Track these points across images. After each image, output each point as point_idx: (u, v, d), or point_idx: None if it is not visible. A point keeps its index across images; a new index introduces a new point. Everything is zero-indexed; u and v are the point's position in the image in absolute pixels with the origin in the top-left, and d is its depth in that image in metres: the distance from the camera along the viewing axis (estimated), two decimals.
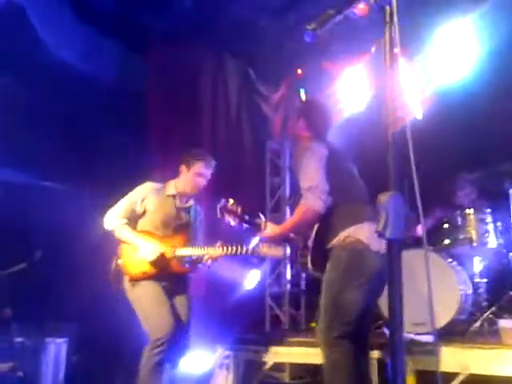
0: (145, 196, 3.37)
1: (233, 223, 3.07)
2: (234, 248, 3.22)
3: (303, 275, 5.70)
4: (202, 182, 3.42)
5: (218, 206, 3.08)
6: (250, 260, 3.98)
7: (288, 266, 5.81)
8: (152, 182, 3.48)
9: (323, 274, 2.73)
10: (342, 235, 2.64)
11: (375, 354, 3.40)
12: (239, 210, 3.03)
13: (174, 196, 3.43)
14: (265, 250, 3.19)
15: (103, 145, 4.66)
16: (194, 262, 3.33)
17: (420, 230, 4.32)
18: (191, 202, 3.52)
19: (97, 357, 4.52)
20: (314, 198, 2.61)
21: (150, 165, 4.07)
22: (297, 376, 4.37)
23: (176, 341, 3.23)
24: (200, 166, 3.39)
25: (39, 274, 4.20)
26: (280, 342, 4.06)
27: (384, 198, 1.72)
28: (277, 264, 5.89)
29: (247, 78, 6.14)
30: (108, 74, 4.85)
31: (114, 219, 3.33)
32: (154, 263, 3.25)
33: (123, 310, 3.53)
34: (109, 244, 3.48)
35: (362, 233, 2.61)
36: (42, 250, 4.20)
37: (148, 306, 3.19)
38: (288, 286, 5.77)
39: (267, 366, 4.00)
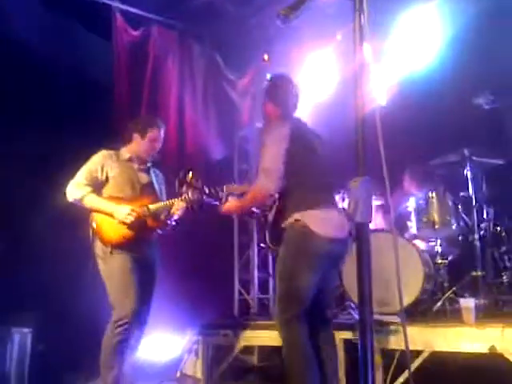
0: (103, 163, 3.36)
1: (191, 197, 3.14)
2: (204, 195, 3.26)
3: (271, 259, 5.76)
4: (158, 146, 3.51)
5: (177, 179, 3.15)
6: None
7: (256, 251, 5.86)
8: (106, 149, 3.47)
9: None
10: (293, 217, 2.70)
11: (343, 335, 3.49)
12: (199, 183, 3.08)
13: (130, 159, 3.44)
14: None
15: (65, 128, 4.55)
16: (166, 216, 3.38)
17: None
18: (149, 164, 3.55)
19: (62, 345, 4.47)
20: (267, 181, 2.67)
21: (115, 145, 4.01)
22: (265, 358, 4.44)
23: (138, 321, 3.26)
24: (154, 132, 3.46)
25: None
26: (248, 326, 4.11)
27: (354, 183, 1.76)
28: (245, 249, 5.93)
29: (214, 64, 6.09)
30: (69, 57, 4.73)
31: (78, 189, 3.28)
32: (133, 224, 3.24)
33: (89, 294, 3.49)
34: (67, 223, 3.43)
35: (311, 219, 2.66)
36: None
37: (116, 284, 3.19)
38: (256, 270, 5.82)
39: (236, 350, 4.03)
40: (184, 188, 3.20)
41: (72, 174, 3.34)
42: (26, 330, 4.22)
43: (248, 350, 4.32)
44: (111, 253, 3.21)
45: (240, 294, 5.83)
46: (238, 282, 5.86)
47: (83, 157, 3.42)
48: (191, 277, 4.95)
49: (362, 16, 1.82)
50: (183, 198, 3.29)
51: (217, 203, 3.12)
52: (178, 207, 3.34)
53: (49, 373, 4.15)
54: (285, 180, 2.69)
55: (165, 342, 4.38)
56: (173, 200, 3.36)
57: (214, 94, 6.04)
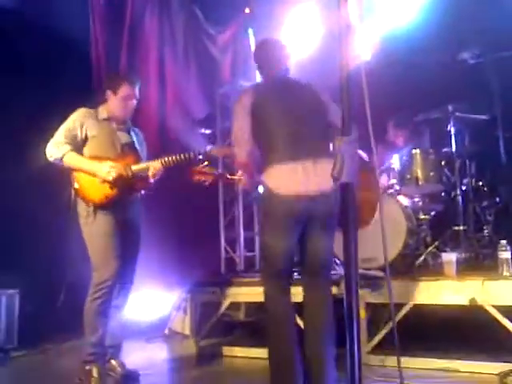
0: (82, 121, 3.27)
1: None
2: (184, 155, 3.30)
3: (256, 218, 5.80)
4: (132, 103, 3.37)
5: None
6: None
7: (241, 209, 5.88)
8: (85, 107, 3.38)
9: None
10: (261, 181, 2.74)
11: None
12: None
13: (108, 119, 3.36)
14: (215, 150, 3.39)
15: (40, 89, 4.42)
16: (144, 177, 3.33)
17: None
18: (129, 124, 3.47)
19: (50, 305, 4.51)
20: (237, 150, 2.73)
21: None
22: (251, 314, 4.53)
23: (121, 281, 3.26)
24: (125, 88, 3.31)
25: None
26: (235, 283, 4.16)
27: (338, 142, 1.74)
28: (231, 207, 5.94)
29: (193, 18, 5.91)
30: (45, 14, 4.54)
31: (57, 148, 3.20)
32: (116, 182, 3.20)
33: (75, 253, 3.48)
34: (50, 182, 3.37)
35: (270, 178, 2.66)
36: None
37: (98, 246, 3.17)
38: (241, 228, 5.86)
39: (223, 307, 4.10)
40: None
41: (50, 134, 3.25)
42: (12, 291, 4.23)
43: (235, 306, 4.39)
44: (94, 213, 3.17)
45: (226, 252, 5.89)
46: (223, 241, 5.91)
47: (61, 116, 3.33)
48: (178, 235, 4.97)
49: None
50: (162, 160, 3.29)
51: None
52: (155, 168, 3.28)
53: (38, 333, 4.19)
54: (255, 146, 2.74)
55: (153, 299, 4.44)
56: (152, 161, 3.32)
57: (194, 50, 5.90)
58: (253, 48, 6.03)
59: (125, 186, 3.25)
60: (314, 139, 2.68)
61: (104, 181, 3.19)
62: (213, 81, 6.06)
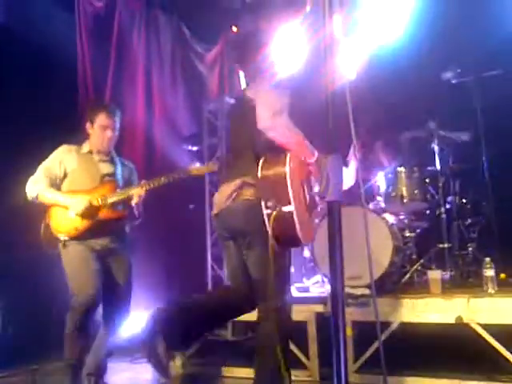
0: (62, 158, 3.30)
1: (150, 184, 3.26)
2: (163, 178, 3.25)
3: None
4: (109, 133, 3.33)
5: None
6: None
7: None
8: (68, 144, 3.39)
9: None
10: None
11: (315, 308, 3.55)
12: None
13: (90, 152, 3.36)
14: (194, 170, 3.31)
15: (29, 106, 4.39)
16: (125, 203, 3.29)
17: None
18: (114, 155, 3.46)
19: (33, 327, 4.42)
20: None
21: (80, 127, 3.90)
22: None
23: (113, 306, 3.25)
24: (101, 118, 3.31)
25: None
26: None
27: (324, 160, 1.75)
28: None
29: (181, 36, 5.95)
30: (32, 29, 4.53)
31: (35, 185, 3.24)
32: (84, 214, 3.17)
33: (56, 275, 3.43)
34: (31, 210, 3.35)
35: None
36: None
37: (73, 270, 3.15)
38: None
39: None
40: None
41: (35, 166, 3.29)
42: None
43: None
44: (64, 244, 3.17)
45: (213, 269, 5.85)
46: (210, 257, 5.87)
47: (47, 144, 3.34)
48: (164, 252, 4.93)
49: None
50: (141, 184, 3.26)
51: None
52: (141, 191, 3.25)
53: (20, 354, 4.10)
54: None
55: (138, 318, 4.37)
56: (130, 188, 3.28)
57: (181, 67, 5.92)
58: None
59: (99, 216, 3.22)
60: (236, 160, 2.62)
61: (76, 214, 3.18)
62: (200, 98, 6.08)
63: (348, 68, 4.97)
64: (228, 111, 2.81)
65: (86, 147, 3.38)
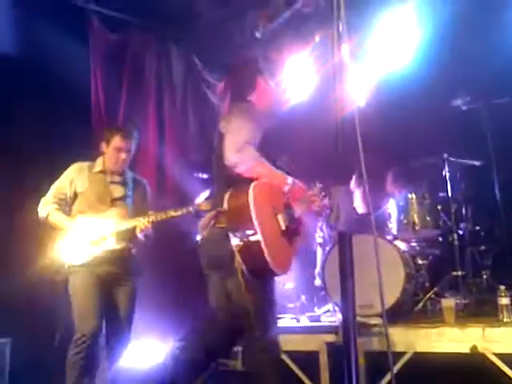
0: (72, 178, 3.32)
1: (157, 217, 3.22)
2: (174, 212, 3.21)
3: None
4: (123, 155, 3.35)
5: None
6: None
7: None
8: (81, 162, 3.42)
9: None
10: None
11: (327, 338, 3.50)
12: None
13: (102, 172, 3.37)
14: (203, 205, 3.20)
15: (44, 134, 4.47)
16: (132, 234, 3.28)
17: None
18: (128, 175, 3.47)
19: (43, 354, 4.40)
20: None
21: (94, 155, 3.95)
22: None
23: (114, 334, 3.26)
24: (117, 140, 3.34)
25: None
26: None
27: (335, 191, 1.76)
28: None
29: (193, 67, 6.06)
30: (47, 60, 4.64)
31: (44, 207, 3.28)
32: (92, 241, 3.19)
33: (60, 302, 3.44)
34: (42, 231, 3.38)
35: None
36: None
37: (78, 299, 3.17)
38: None
39: None
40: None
41: (47, 188, 3.35)
42: (4, 340, 4.13)
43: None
44: (70, 271, 3.19)
45: None
46: None
47: (62, 165, 3.37)
48: (174, 282, 4.90)
49: (339, 25, 1.82)
50: (151, 214, 3.25)
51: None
52: (141, 227, 3.21)
53: (30, 382, 4.07)
54: None
55: (148, 348, 4.34)
56: (137, 220, 3.25)
57: (193, 97, 6.01)
58: None
59: (105, 243, 3.23)
60: (216, 191, 2.65)
61: (82, 240, 3.20)
62: (211, 126, 6.13)
63: (357, 95, 5.03)
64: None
65: (98, 165, 3.39)
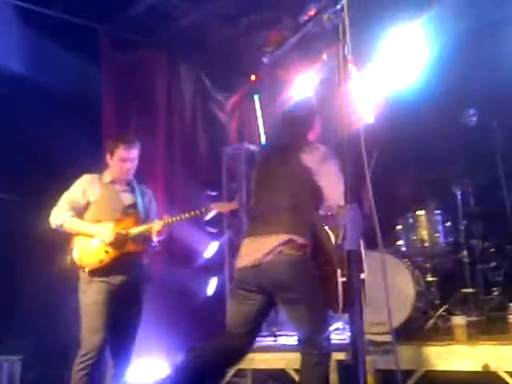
0: (85, 188, 3.38)
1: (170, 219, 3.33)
2: (188, 214, 3.32)
3: None
4: (128, 165, 3.41)
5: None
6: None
7: None
8: (89, 173, 3.48)
9: None
10: None
11: (336, 356, 3.47)
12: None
13: (111, 182, 3.44)
14: (216, 206, 3.44)
15: (56, 154, 4.53)
16: (147, 238, 3.35)
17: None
18: (134, 184, 3.53)
19: (53, 371, 4.40)
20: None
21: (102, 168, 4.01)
22: (259, 381, 4.38)
23: (119, 347, 3.25)
24: (120, 151, 3.39)
25: None
26: None
27: (342, 210, 1.77)
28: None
29: (202, 85, 6.14)
30: (58, 81, 4.73)
31: (59, 214, 3.31)
32: (112, 244, 3.22)
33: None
34: (55, 248, 3.41)
35: (238, 253, 2.75)
36: None
37: (87, 319, 3.17)
38: None
39: (229, 374, 3.98)
40: None
41: (57, 200, 3.37)
42: (15, 357, 4.15)
43: (241, 373, 4.27)
44: (91, 279, 3.19)
45: None
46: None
47: (72, 181, 3.42)
48: (178, 298, 4.91)
49: (345, 47, 1.85)
50: (165, 217, 3.33)
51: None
52: (156, 229, 3.30)
53: None
54: None
55: (155, 365, 4.33)
56: (155, 222, 3.34)
57: (202, 115, 6.08)
58: (258, 113, 6.25)
59: (122, 249, 3.27)
60: (273, 214, 2.66)
61: (101, 244, 3.23)
62: (220, 144, 6.20)
63: (365, 112, 5.05)
64: (259, 161, 2.94)
65: (107, 176, 3.46)
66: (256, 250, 2.60)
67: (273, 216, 2.65)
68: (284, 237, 2.54)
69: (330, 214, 2.61)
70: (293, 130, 2.91)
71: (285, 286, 2.54)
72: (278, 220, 2.61)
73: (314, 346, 2.56)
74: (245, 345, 2.69)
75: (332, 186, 2.55)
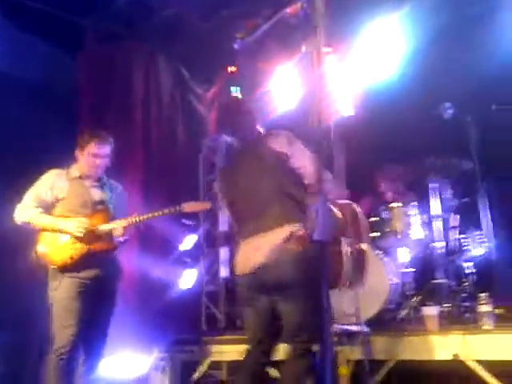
0: (52, 183, 3.30)
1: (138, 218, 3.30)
2: (155, 213, 3.29)
3: None
4: (99, 161, 3.34)
5: None
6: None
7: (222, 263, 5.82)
8: (56, 168, 3.41)
9: None
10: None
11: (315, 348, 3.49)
12: None
13: (80, 177, 3.37)
14: (187, 207, 3.32)
15: (30, 147, 4.46)
16: (116, 236, 3.30)
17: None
18: (104, 180, 3.47)
19: (26, 365, 4.36)
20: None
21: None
22: (234, 373, 4.39)
23: (90, 347, 3.23)
24: (91, 146, 3.32)
25: None
26: (216, 341, 4.07)
27: (311, 200, 1.77)
28: (213, 262, 5.88)
29: (180, 77, 6.09)
30: (34, 74, 4.65)
31: (25, 211, 3.24)
32: (81, 240, 3.18)
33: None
34: (26, 241, 3.36)
35: (236, 258, 2.74)
36: None
37: (58, 313, 3.14)
38: (223, 284, 5.77)
39: (204, 366, 3.99)
40: None
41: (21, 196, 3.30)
42: None
43: (216, 365, 4.27)
44: (61, 276, 3.15)
45: (207, 307, 5.77)
46: (204, 296, 5.79)
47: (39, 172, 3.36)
48: (153, 291, 4.89)
49: (319, 32, 1.85)
50: (133, 216, 3.28)
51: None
52: (123, 225, 3.26)
53: None
54: None
55: (131, 359, 4.31)
56: (125, 220, 3.28)
57: (180, 108, 6.04)
58: None
59: (91, 245, 3.23)
60: (261, 209, 2.63)
61: (71, 240, 3.18)
62: (198, 136, 6.17)
63: (343, 104, 5.06)
64: (234, 157, 2.91)
65: (75, 171, 3.38)
66: (255, 249, 2.58)
67: (266, 210, 2.60)
68: (283, 231, 2.49)
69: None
70: (245, 128, 2.88)
71: (288, 284, 2.52)
72: (272, 212, 2.57)
73: (305, 335, 2.53)
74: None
75: (307, 164, 2.51)
